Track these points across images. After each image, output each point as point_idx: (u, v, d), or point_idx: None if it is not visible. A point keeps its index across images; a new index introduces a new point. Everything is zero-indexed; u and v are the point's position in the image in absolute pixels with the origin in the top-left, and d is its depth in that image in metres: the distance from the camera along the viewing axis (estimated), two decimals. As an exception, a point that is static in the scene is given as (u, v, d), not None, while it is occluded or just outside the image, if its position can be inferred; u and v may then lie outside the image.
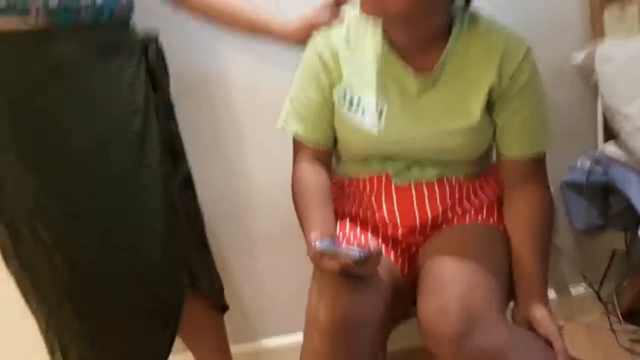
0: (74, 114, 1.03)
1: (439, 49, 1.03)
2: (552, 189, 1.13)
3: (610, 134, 1.43)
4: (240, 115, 1.42)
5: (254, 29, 1.22)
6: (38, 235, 1.04)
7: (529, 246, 1.03)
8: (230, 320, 1.40)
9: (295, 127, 1.11)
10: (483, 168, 1.15)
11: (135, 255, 1.09)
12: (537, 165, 1.09)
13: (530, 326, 0.97)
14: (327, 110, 1.10)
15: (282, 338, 1.59)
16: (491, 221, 1.10)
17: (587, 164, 1.51)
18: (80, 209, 1.05)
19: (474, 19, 1.06)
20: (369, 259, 0.89)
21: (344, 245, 0.91)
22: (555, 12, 1.45)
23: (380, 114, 1.06)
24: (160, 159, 1.13)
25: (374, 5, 0.95)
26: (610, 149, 1.41)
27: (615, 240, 1.50)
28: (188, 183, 1.27)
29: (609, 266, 1.56)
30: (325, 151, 1.14)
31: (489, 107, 1.05)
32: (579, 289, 1.61)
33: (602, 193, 1.49)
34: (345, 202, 1.18)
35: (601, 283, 1.57)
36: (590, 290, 1.57)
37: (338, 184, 1.22)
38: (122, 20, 1.11)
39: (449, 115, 1.04)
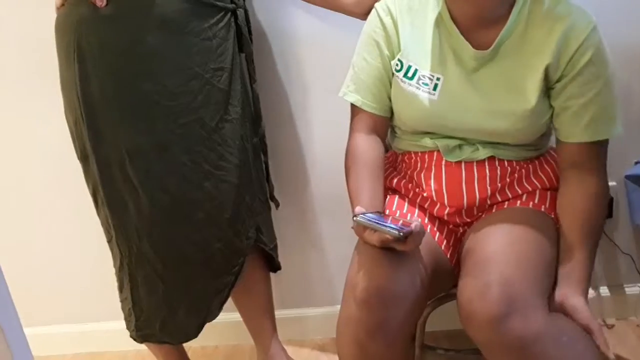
0: (170, 64, 1.12)
1: (500, 25, 1.00)
2: (614, 182, 1.06)
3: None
4: (308, 77, 1.47)
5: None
6: (127, 175, 1.14)
7: (575, 232, 1.00)
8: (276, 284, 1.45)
9: (355, 94, 1.12)
10: (540, 153, 1.12)
11: (210, 202, 1.18)
12: (596, 152, 1.03)
13: (566, 312, 0.94)
14: (386, 77, 1.11)
15: (325, 308, 1.62)
16: (543, 208, 1.07)
17: (655, 159, 1.44)
18: (167, 152, 1.14)
19: None
20: (409, 238, 0.89)
21: (389, 221, 0.91)
22: None
23: (435, 86, 1.05)
24: (241, 117, 1.22)
25: None
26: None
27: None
28: (262, 145, 1.35)
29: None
30: (381, 120, 1.14)
31: (547, 90, 1.01)
32: (634, 289, 1.54)
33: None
34: (395, 176, 1.18)
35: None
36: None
37: (391, 158, 1.22)
38: None
39: (503, 95, 1.02)
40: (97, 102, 1.12)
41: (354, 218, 0.94)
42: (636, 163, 1.40)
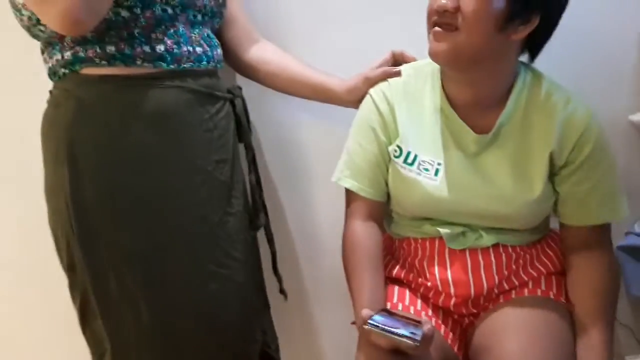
0: (171, 160, 1.04)
1: (499, 109, 0.99)
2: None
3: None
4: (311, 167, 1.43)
5: (313, 91, 1.23)
6: (124, 284, 1.03)
7: (592, 317, 0.98)
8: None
9: (351, 179, 1.09)
10: (542, 236, 1.10)
11: (214, 305, 1.08)
12: (602, 232, 1.03)
13: None
14: (383, 163, 1.08)
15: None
16: (551, 294, 1.04)
17: (647, 228, 1.43)
18: (168, 254, 1.04)
19: (537, 79, 1.02)
20: (423, 343, 0.84)
21: (401, 326, 0.86)
22: (612, 68, 1.40)
23: (437, 171, 1.02)
24: (244, 209, 1.15)
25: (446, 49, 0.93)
26: (672, 213, 1.34)
27: (675, 308, 1.41)
28: (268, 234, 1.28)
29: (668, 336, 1.45)
30: (378, 205, 1.11)
31: (550, 175, 1.00)
32: (635, 360, 1.50)
33: (662, 259, 1.41)
34: (394, 265, 1.14)
35: (660, 354, 1.46)
36: (649, 361, 1.47)
37: (387, 242, 1.17)
38: (214, 70, 1.14)
39: (507, 180, 1.00)
40: (89, 207, 1.02)
41: (364, 326, 0.88)
42: (627, 234, 1.39)
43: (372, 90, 1.10)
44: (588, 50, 1.37)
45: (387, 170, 1.08)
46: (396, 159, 1.05)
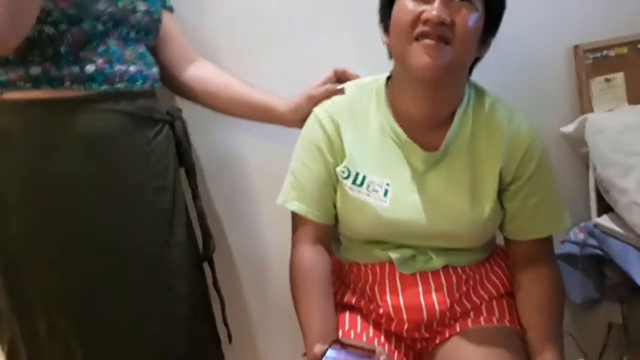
0: (105, 192, 0.96)
1: (447, 126, 0.99)
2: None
3: (603, 206, 1.41)
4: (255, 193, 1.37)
5: (255, 111, 1.18)
6: (56, 327, 0.95)
7: (545, 340, 1.00)
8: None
9: (297, 202, 1.04)
10: (489, 253, 1.10)
11: (158, 344, 1.01)
12: (548, 244, 1.05)
13: None
14: (330, 184, 1.04)
15: None
16: (506, 321, 1.04)
17: (581, 236, 1.48)
18: (105, 293, 0.97)
19: (480, 94, 1.03)
20: None
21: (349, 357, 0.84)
22: (544, 84, 1.45)
23: (386, 192, 1.00)
24: (187, 239, 1.09)
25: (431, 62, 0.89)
26: (605, 221, 1.39)
27: (612, 313, 1.46)
28: (212, 268, 1.21)
29: (607, 340, 1.50)
30: (326, 229, 1.07)
31: (498, 192, 1.01)
32: (576, 365, 1.55)
33: (597, 265, 1.45)
34: (345, 290, 1.10)
35: (600, 358, 1.51)
36: (590, 365, 1.52)
37: (336, 266, 1.13)
38: (151, 90, 1.07)
39: (457, 198, 0.99)
40: (15, 245, 0.93)
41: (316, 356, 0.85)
42: (563, 242, 1.43)
43: (316, 109, 1.07)
44: (519, 63, 1.40)
45: (335, 192, 1.05)
46: (344, 180, 1.02)
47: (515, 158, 0.98)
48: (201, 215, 1.18)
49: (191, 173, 1.17)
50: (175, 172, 1.09)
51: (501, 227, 1.06)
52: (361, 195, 1.01)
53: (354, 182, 1.01)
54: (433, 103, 0.98)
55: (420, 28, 0.88)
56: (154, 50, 1.12)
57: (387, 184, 1.00)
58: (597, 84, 1.45)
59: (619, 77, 1.46)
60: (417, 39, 0.89)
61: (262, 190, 1.35)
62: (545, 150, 1.01)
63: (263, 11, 1.27)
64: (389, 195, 1.00)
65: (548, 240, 1.05)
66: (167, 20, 1.14)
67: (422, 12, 0.88)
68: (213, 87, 1.18)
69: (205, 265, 1.20)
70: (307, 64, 1.26)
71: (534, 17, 1.39)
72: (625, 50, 1.45)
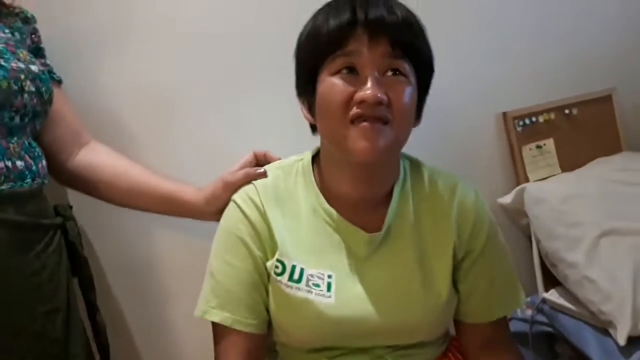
0: None
1: (386, 203, 0.89)
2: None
3: (549, 279, 1.33)
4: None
5: (162, 203, 1.00)
6: None
7: None
8: None
9: (220, 310, 0.86)
10: (446, 346, 0.98)
11: None
12: (505, 324, 0.96)
13: None
14: (261, 284, 0.88)
15: None
16: None
17: (528, 312, 1.39)
18: None
19: (416, 166, 0.96)
20: None
21: None
22: (476, 153, 1.39)
23: (329, 285, 0.86)
24: None
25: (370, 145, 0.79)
26: (553, 296, 1.31)
27: (566, 391, 1.36)
28: None
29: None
30: (258, 340, 0.89)
31: (452, 272, 0.91)
32: None
33: (548, 343, 1.38)
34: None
35: None
36: None
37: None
38: (40, 189, 0.87)
39: (410, 284, 0.88)
40: None
41: None
42: (510, 320, 1.32)
43: (235, 196, 0.92)
44: (450, 132, 1.36)
45: (267, 293, 0.89)
46: (278, 277, 0.86)
47: (466, 229, 0.90)
48: (99, 333, 0.97)
49: (87, 286, 0.97)
50: (68, 287, 0.88)
51: (454, 311, 0.96)
52: (300, 292, 0.86)
53: (290, 278, 0.86)
54: (370, 183, 0.88)
55: (355, 110, 0.79)
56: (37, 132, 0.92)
57: (329, 276, 0.87)
58: (528, 151, 1.41)
59: (549, 144, 1.43)
60: (352, 121, 0.80)
61: (175, 297, 1.16)
62: (493, 218, 0.94)
63: (167, 81, 1.12)
64: (332, 288, 0.86)
65: (505, 321, 0.96)
66: (55, 96, 0.95)
67: (355, 91, 0.79)
68: (108, 176, 0.98)
69: None
70: (222, 147, 1.13)
71: (461, 86, 1.34)
72: (552, 116, 1.43)
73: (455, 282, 0.91)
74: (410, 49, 0.81)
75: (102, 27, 1.08)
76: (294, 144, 0.97)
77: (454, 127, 1.35)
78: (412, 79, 0.83)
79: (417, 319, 0.88)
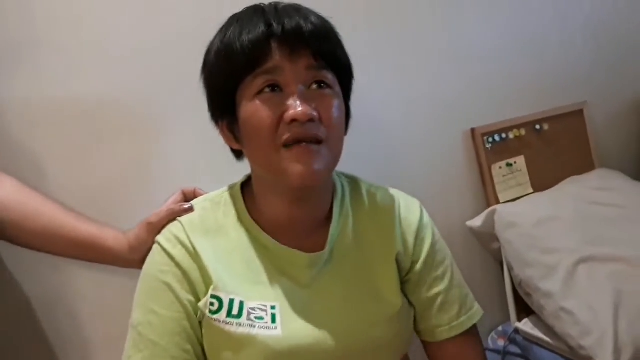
0: None
1: (327, 223, 0.83)
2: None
3: (522, 307, 1.24)
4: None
5: (78, 248, 0.86)
6: None
7: None
8: None
9: None
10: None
11: None
12: (477, 338, 0.89)
13: None
14: (191, 329, 0.77)
15: None
16: None
17: (500, 342, 1.30)
18: None
19: (353, 182, 0.89)
20: None
21: None
22: (445, 173, 1.30)
23: (273, 317, 0.77)
24: None
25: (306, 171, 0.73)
26: (527, 327, 1.22)
27: None
28: None
29: None
30: None
31: (401, 284, 0.85)
32: None
33: (522, 375, 1.28)
34: None
35: None
36: None
37: None
38: None
39: (360, 302, 0.80)
40: None
41: None
42: (483, 352, 1.24)
43: (159, 237, 0.81)
44: (417, 151, 1.25)
45: (201, 337, 0.78)
46: (215, 316, 0.76)
47: (410, 238, 0.86)
48: None
49: None
50: None
51: (417, 331, 0.89)
52: (242, 328, 0.75)
53: (229, 314, 0.76)
54: (308, 206, 0.81)
55: (286, 133, 0.71)
56: None
57: (272, 307, 0.78)
58: (498, 169, 1.32)
59: (520, 161, 1.34)
60: (284, 145, 0.72)
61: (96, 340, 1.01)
62: (435, 226, 0.90)
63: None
64: (277, 319, 0.77)
65: (475, 340, 0.89)
66: None
67: (283, 112, 0.71)
68: (16, 215, 0.83)
69: None
70: (145, 184, 1.01)
71: (427, 101, 1.25)
72: (523, 132, 1.34)
73: (408, 295, 0.85)
74: (332, 58, 0.76)
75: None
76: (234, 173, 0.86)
77: (419, 144, 1.25)
78: (337, 88, 0.77)
79: (378, 335, 0.80)
